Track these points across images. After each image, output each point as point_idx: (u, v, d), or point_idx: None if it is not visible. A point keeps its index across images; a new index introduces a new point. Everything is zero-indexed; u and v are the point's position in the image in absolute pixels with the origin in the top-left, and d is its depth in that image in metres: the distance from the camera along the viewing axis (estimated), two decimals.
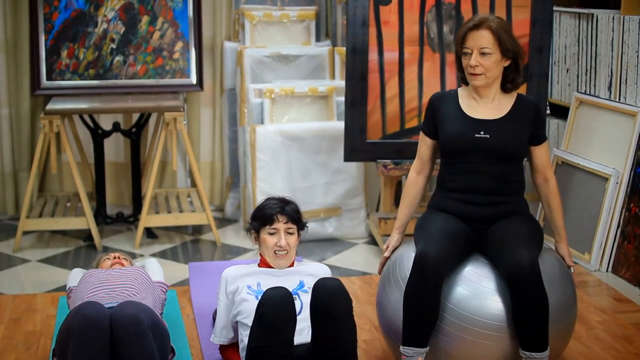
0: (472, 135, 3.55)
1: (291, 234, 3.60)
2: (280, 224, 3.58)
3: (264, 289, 3.45)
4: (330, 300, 3.25)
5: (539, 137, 3.64)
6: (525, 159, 3.72)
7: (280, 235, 3.58)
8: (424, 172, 3.77)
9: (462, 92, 3.68)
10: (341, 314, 3.26)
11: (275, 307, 3.20)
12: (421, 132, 3.75)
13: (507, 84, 3.62)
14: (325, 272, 3.67)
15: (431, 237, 3.44)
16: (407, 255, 3.60)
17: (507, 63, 3.57)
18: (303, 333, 3.36)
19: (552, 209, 3.70)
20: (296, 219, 3.62)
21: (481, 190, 3.57)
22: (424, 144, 3.74)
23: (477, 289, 3.42)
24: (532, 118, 3.61)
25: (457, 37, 3.60)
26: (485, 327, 3.37)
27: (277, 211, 3.59)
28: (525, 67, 3.68)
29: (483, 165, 3.55)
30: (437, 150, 3.72)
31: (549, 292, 3.39)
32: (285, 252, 3.59)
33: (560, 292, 3.49)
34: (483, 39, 3.50)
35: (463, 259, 3.50)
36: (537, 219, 3.90)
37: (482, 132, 3.55)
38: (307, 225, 3.71)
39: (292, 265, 3.67)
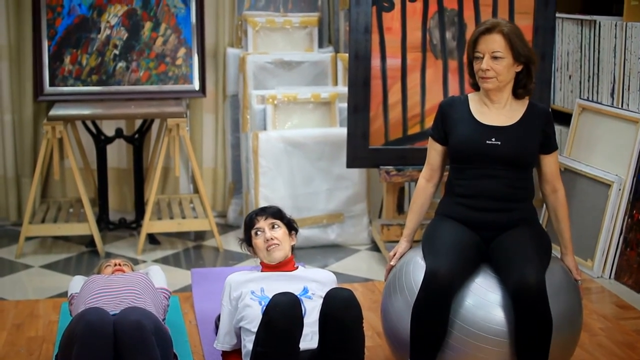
0: (483, 141, 3.53)
1: (277, 227, 3.67)
2: (262, 222, 3.67)
3: (268, 295, 3.45)
4: (341, 310, 3.25)
5: (549, 146, 3.61)
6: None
7: (265, 231, 3.64)
8: (434, 179, 3.75)
9: (472, 98, 3.66)
10: (351, 324, 3.26)
11: (282, 313, 3.19)
12: (430, 139, 3.73)
13: (518, 90, 3.60)
14: (330, 279, 3.67)
15: (441, 252, 3.41)
16: (414, 261, 3.58)
17: (518, 68, 3.56)
18: (307, 338, 3.36)
19: (560, 220, 3.66)
20: (276, 214, 3.70)
21: (490, 196, 3.54)
22: (434, 151, 3.72)
23: (482, 302, 3.38)
24: (543, 125, 3.58)
25: (469, 42, 3.58)
26: (489, 342, 3.34)
27: (256, 213, 3.72)
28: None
29: (493, 171, 3.53)
30: (447, 156, 3.70)
31: (555, 302, 3.36)
32: (276, 244, 3.61)
33: (566, 302, 3.46)
34: (495, 43, 3.49)
35: (472, 272, 3.47)
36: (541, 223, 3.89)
37: (493, 139, 3.53)
38: (296, 225, 3.78)
39: (296, 269, 3.67)
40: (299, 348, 3.27)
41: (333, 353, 3.27)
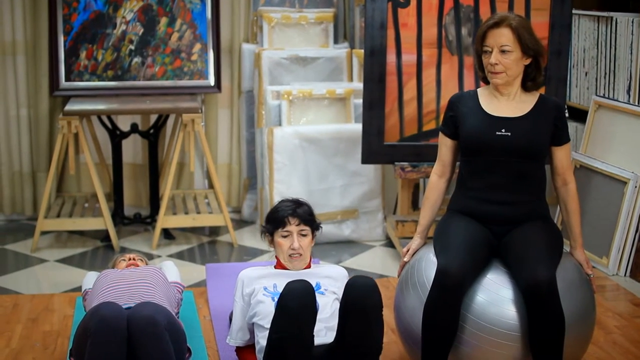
0: (492, 132, 3.52)
1: (304, 235, 3.61)
2: (293, 227, 3.59)
3: (280, 291, 3.45)
4: (362, 296, 3.26)
5: (561, 138, 3.59)
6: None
7: (293, 237, 3.59)
8: (446, 175, 3.74)
9: (482, 92, 3.66)
10: (372, 311, 3.27)
11: (296, 298, 3.21)
12: (440, 134, 3.72)
13: (527, 82, 3.59)
14: (342, 274, 3.67)
15: (452, 250, 3.40)
16: (426, 258, 3.58)
17: (527, 61, 3.55)
18: (320, 334, 3.36)
19: (570, 213, 3.65)
20: (308, 220, 3.62)
21: (501, 188, 3.52)
22: (445, 146, 3.72)
23: (495, 298, 3.38)
24: (554, 118, 3.57)
25: (477, 35, 3.57)
26: (502, 337, 3.34)
27: (289, 214, 3.59)
28: (544, 69, 3.65)
29: (504, 163, 3.51)
30: (458, 151, 3.69)
31: (569, 298, 3.36)
32: (300, 254, 3.59)
33: (579, 299, 3.45)
34: (503, 37, 3.48)
35: (483, 269, 3.46)
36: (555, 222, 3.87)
37: (503, 130, 3.52)
38: (321, 226, 3.71)
39: (308, 266, 3.67)
40: (313, 335, 3.27)
41: (352, 339, 3.27)
